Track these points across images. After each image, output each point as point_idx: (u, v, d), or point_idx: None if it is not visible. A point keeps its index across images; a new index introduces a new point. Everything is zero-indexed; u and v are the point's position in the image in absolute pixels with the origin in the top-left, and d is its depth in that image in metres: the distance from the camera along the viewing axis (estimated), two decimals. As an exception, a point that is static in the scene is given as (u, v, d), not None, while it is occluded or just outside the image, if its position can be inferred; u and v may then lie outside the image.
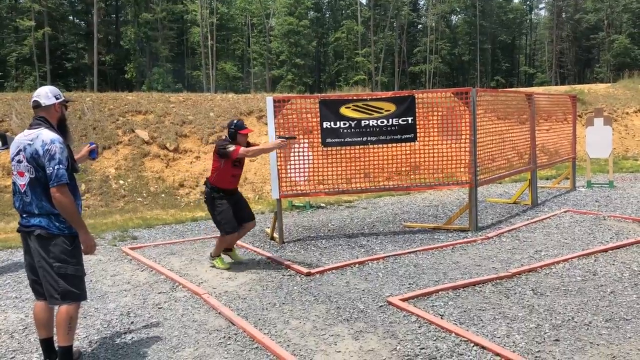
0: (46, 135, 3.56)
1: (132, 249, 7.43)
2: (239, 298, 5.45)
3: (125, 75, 50.81)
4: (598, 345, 4.16)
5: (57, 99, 3.75)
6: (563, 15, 72.68)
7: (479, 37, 66.62)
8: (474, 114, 7.60)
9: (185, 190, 12.21)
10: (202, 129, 13.91)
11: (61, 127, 3.80)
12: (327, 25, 68.17)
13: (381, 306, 5.09)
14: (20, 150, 3.60)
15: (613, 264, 6.16)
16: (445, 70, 67.01)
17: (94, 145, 4.37)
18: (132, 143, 12.99)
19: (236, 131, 6.05)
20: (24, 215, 3.66)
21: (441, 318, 4.73)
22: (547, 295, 5.27)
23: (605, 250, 6.67)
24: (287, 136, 6.30)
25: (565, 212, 8.97)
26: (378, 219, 9.00)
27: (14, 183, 3.69)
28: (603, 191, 11.00)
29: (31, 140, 3.56)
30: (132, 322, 4.87)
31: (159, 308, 5.21)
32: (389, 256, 6.66)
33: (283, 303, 5.26)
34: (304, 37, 56.87)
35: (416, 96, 7.55)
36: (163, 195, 11.84)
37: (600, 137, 11.35)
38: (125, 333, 4.63)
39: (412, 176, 8.09)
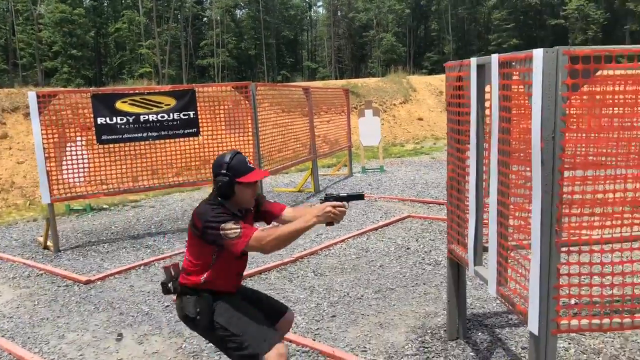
0: None
1: None
2: (4, 318, 4.88)
3: None
4: (368, 315, 4.59)
5: None
6: (339, 14, 78.21)
7: (264, 32, 68.44)
8: (255, 108, 7.79)
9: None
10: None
11: None
12: (105, 15, 64.05)
13: (167, 306, 4.98)
14: None
15: (382, 240, 6.84)
16: (233, 64, 67.64)
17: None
18: None
19: (232, 179, 2.88)
20: None
21: (228, 310, 4.79)
22: (327, 275, 5.65)
23: (376, 229, 7.37)
24: (345, 195, 3.24)
25: (343, 196, 9.69)
26: (166, 217, 8.77)
27: None
28: (375, 175, 12.14)
29: None
30: None
31: None
32: (176, 254, 6.53)
33: (58, 316, 4.85)
34: (79, 27, 52.71)
35: (196, 90, 7.49)
36: None
37: (370, 126, 12.48)
38: None
39: (202, 171, 8.01)
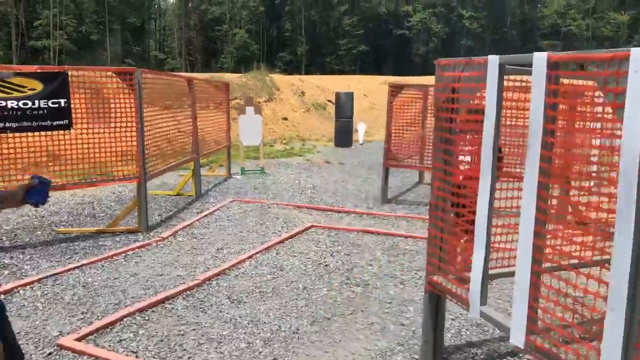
0: None
1: None
2: None
3: None
4: (315, 357, 3.83)
5: None
6: (190, 4, 75.41)
7: (108, 16, 63.65)
8: (140, 99, 6.59)
9: None
10: None
11: None
12: None
13: (50, 353, 3.77)
14: None
15: (293, 256, 6.09)
16: (73, 48, 61.92)
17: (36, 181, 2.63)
18: None
19: None
20: None
21: (136, 357, 3.74)
22: (245, 302, 4.78)
23: (282, 242, 6.60)
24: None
25: (232, 201, 8.76)
26: (20, 226, 7.15)
27: None
28: (256, 178, 11.31)
29: None
30: None
31: None
32: (46, 277, 5.18)
33: None
34: None
35: (69, 73, 6.11)
36: None
37: (251, 125, 11.63)
38: None
39: (60, 169, 6.55)
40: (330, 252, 6.27)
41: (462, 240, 3.23)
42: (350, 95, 18.72)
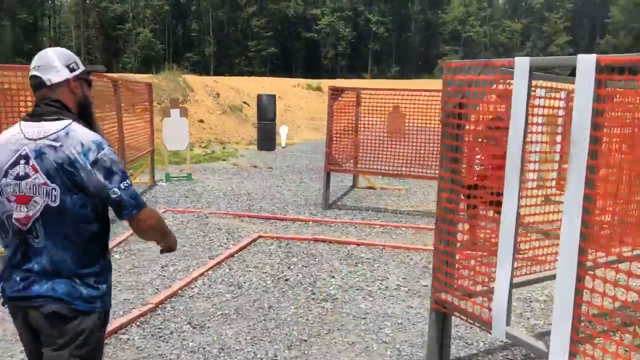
0: (83, 135, 2.07)
1: None
2: None
3: None
4: (305, 386, 3.49)
5: (71, 70, 2.16)
6: (89, 1, 71.67)
7: (-3, 11, 59.09)
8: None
9: None
10: None
11: (83, 118, 2.20)
12: None
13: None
14: (21, 157, 2.05)
15: (249, 271, 5.68)
16: (-44, 45, 56.89)
17: None
18: None
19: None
20: (22, 277, 2.09)
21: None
22: (209, 327, 4.32)
23: (232, 255, 6.15)
24: None
25: (164, 212, 8.14)
26: None
27: (7, 217, 2.08)
28: (184, 185, 10.68)
29: (55, 141, 2.03)
30: None
31: None
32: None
33: None
34: None
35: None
36: None
37: (177, 128, 10.98)
38: None
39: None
40: (286, 264, 5.91)
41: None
42: (272, 98, 18.36)
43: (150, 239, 2.32)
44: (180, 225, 7.42)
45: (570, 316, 2.36)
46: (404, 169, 8.88)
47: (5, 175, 2.08)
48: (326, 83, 47.15)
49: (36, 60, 2.18)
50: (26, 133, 2.09)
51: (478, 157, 3.05)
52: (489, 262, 2.87)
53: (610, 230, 2.71)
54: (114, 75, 10.45)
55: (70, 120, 2.11)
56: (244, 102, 28.40)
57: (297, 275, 5.56)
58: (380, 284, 5.40)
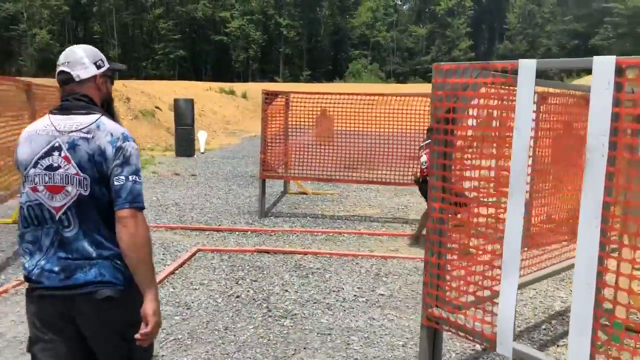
0: (113, 127, 2.17)
1: None
2: None
3: None
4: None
5: (98, 67, 2.26)
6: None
7: None
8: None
9: None
10: None
11: (107, 112, 2.27)
12: None
13: None
14: (54, 149, 2.11)
15: (194, 289, 5.28)
16: None
17: None
18: None
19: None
20: (60, 267, 2.10)
21: None
22: (164, 356, 3.93)
23: (173, 272, 5.71)
24: None
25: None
26: None
27: (29, 207, 2.14)
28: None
29: (88, 134, 2.11)
30: None
31: None
32: None
33: None
34: None
35: None
36: None
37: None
38: None
39: None
40: (233, 279, 5.56)
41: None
42: (189, 102, 17.69)
43: (130, 256, 2.10)
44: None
45: (589, 330, 2.26)
46: (338, 173, 8.77)
47: (35, 165, 2.12)
48: (240, 87, 46.64)
49: (64, 56, 2.24)
50: (57, 126, 2.15)
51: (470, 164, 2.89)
52: (488, 274, 2.73)
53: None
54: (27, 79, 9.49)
55: (100, 114, 2.19)
56: (156, 107, 27.34)
57: (248, 291, 5.24)
58: (337, 295, 5.19)
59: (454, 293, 2.93)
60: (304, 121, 9.40)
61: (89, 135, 2.12)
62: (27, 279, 2.17)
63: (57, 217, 2.11)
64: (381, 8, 73.95)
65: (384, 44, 72.20)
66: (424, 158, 6.68)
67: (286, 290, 5.28)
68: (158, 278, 5.41)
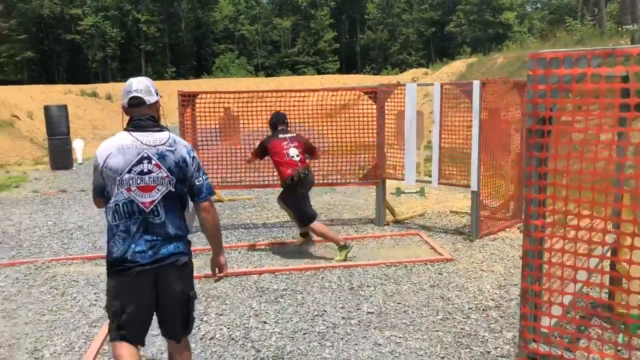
0: (183, 141, 3.03)
1: None
2: None
3: None
4: None
5: (157, 94, 3.05)
6: None
7: None
8: None
9: None
10: None
11: None
12: None
13: None
14: (144, 158, 2.84)
15: (152, 334, 4.39)
16: None
17: None
18: None
19: None
20: (148, 247, 2.84)
21: None
22: None
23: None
24: None
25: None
26: None
27: (123, 204, 2.83)
28: (-16, 226, 8.38)
29: (171, 147, 2.91)
30: None
31: None
32: None
33: None
34: None
35: None
36: None
37: None
38: None
39: None
40: (197, 317, 4.73)
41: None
42: (63, 109, 15.80)
43: (212, 233, 3.06)
44: (20, 286, 5.63)
45: None
46: (255, 176, 7.91)
47: (129, 171, 2.80)
48: (102, 88, 43.45)
49: (136, 84, 2.95)
50: (142, 140, 2.85)
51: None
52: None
53: None
54: None
55: (168, 131, 2.96)
56: (14, 116, 24.45)
57: (221, 329, 4.47)
58: (324, 320, 4.59)
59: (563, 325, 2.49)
60: (212, 123, 8.40)
61: (172, 148, 2.91)
62: (121, 260, 2.81)
63: (147, 210, 2.82)
64: (242, 1, 72.68)
65: (249, 37, 71.09)
66: (294, 151, 6.17)
67: (264, 322, 4.58)
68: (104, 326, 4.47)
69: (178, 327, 3.02)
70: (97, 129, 32.08)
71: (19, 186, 12.63)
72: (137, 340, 2.97)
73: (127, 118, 3.01)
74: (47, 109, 15.66)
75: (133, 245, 2.79)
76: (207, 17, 72.07)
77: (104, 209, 2.93)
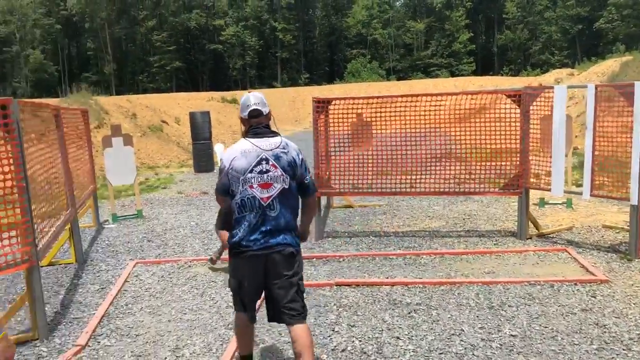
0: (293, 144, 3.51)
1: None
2: None
3: None
4: None
5: (267, 106, 3.58)
6: (-32, 24, 65.45)
7: None
8: (21, 140, 4.33)
9: None
10: None
11: None
12: None
13: None
14: (262, 160, 3.36)
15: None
16: None
17: None
18: None
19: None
20: (262, 236, 3.34)
21: None
22: None
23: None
24: None
25: (134, 266, 6.61)
26: None
27: (247, 199, 3.34)
28: (136, 224, 9.06)
29: (284, 149, 3.43)
30: None
31: None
32: None
33: None
34: None
35: None
36: None
37: (122, 160, 9.34)
38: None
39: None
40: (327, 325, 4.66)
41: None
42: (206, 115, 16.80)
43: (309, 218, 3.78)
44: (165, 283, 5.96)
45: None
46: (386, 183, 7.67)
47: (251, 171, 3.32)
48: (240, 95, 45.69)
49: (253, 99, 3.49)
50: (260, 145, 3.38)
51: None
52: None
53: None
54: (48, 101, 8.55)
55: (280, 136, 3.47)
56: (163, 121, 26.48)
57: (353, 342, 4.34)
58: (461, 340, 4.29)
59: None
60: (342, 129, 8.31)
61: (285, 150, 3.41)
62: (238, 244, 3.34)
63: (265, 204, 3.31)
64: (375, 5, 72.95)
65: (381, 42, 71.20)
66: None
67: (397, 338, 4.39)
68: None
69: (287, 310, 3.38)
70: (237, 133, 33.74)
71: (166, 187, 13.61)
72: (251, 311, 3.55)
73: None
74: (192, 115, 16.72)
75: (251, 234, 3.30)
76: (341, 23, 73.32)
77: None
